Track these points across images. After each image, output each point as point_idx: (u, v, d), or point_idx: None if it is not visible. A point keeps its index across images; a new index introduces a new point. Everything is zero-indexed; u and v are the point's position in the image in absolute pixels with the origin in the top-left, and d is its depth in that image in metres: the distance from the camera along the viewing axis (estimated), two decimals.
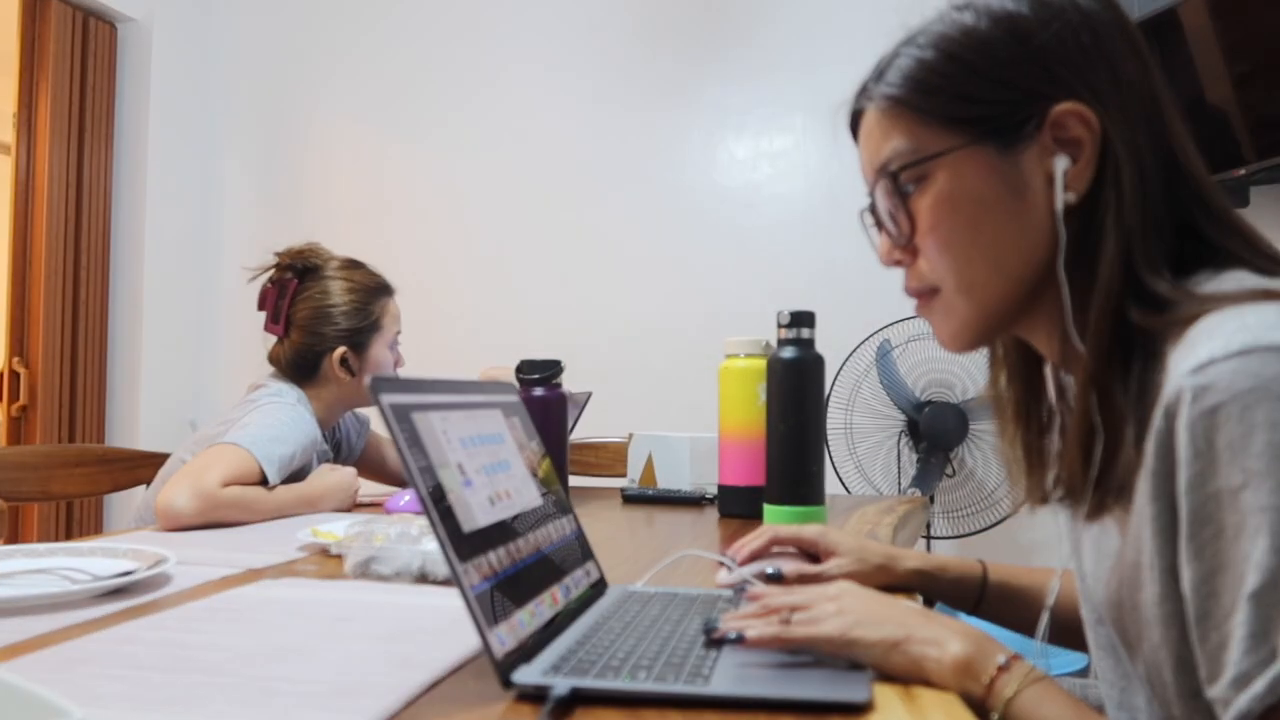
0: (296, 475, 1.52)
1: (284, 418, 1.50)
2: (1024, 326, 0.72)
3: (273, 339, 1.69)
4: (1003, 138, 0.65)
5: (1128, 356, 0.62)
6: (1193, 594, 0.53)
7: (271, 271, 1.68)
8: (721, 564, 0.89)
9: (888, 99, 0.69)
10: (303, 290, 1.65)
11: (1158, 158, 0.64)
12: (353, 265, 1.70)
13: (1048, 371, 0.76)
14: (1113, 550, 0.65)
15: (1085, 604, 0.76)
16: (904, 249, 0.71)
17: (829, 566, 0.87)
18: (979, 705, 0.58)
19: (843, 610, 0.63)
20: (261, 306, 1.67)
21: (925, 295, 0.72)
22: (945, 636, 0.60)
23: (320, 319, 1.63)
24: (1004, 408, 0.78)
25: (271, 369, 1.68)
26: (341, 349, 1.63)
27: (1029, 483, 0.74)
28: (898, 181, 0.69)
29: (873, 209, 0.73)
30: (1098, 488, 0.63)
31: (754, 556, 0.90)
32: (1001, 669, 0.58)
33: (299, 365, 1.64)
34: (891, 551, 0.89)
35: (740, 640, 0.62)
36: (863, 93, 0.73)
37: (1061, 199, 0.64)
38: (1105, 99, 0.63)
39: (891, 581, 0.87)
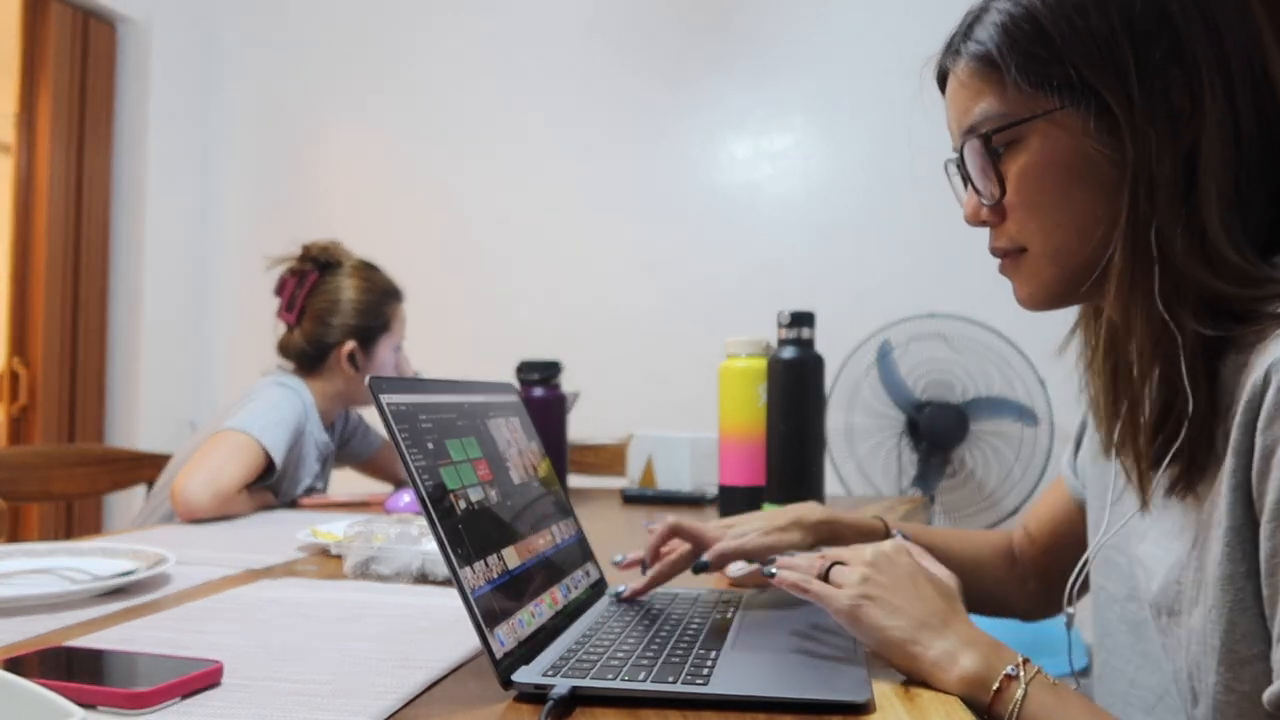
0: (290, 458, 1.58)
1: (280, 398, 1.58)
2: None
3: (279, 330, 1.73)
4: (1096, 102, 0.62)
5: (1217, 326, 0.60)
6: (1266, 560, 0.54)
7: (293, 261, 1.74)
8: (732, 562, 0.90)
9: (978, 59, 0.67)
10: (320, 283, 1.71)
11: (1260, 124, 0.61)
12: (369, 267, 1.77)
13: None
14: (1175, 527, 0.64)
15: (1113, 580, 0.76)
16: (992, 209, 0.69)
17: (745, 544, 0.84)
18: (987, 710, 0.58)
19: (865, 580, 0.63)
20: (279, 293, 1.73)
21: (1012, 255, 0.70)
22: (955, 650, 0.60)
23: (333, 311, 1.68)
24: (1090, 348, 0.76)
25: (280, 360, 1.72)
26: (351, 343, 1.67)
27: (1108, 430, 0.70)
28: (988, 144, 0.67)
29: (960, 164, 0.71)
30: (1176, 459, 0.62)
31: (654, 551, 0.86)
32: (1010, 678, 0.58)
33: (307, 355, 1.69)
34: (800, 511, 0.89)
35: (771, 577, 0.65)
36: (951, 48, 0.70)
37: (1155, 168, 0.61)
38: (1206, 64, 0.60)
39: (809, 538, 0.87)
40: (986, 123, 0.67)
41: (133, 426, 2.95)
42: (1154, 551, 0.67)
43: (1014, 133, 0.66)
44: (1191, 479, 0.61)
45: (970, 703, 0.58)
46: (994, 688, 0.58)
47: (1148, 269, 0.61)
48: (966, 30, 0.69)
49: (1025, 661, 0.59)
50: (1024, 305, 0.71)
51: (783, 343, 1.16)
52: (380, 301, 1.72)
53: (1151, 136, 0.60)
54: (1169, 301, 0.60)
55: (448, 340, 2.88)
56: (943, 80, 0.73)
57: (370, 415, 1.91)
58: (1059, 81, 0.63)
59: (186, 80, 3.14)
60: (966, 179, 0.71)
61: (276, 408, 1.54)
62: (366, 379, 0.61)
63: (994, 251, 0.72)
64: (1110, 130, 0.62)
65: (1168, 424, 0.62)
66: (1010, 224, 0.68)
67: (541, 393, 1.54)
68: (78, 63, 2.85)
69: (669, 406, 2.67)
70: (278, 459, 1.48)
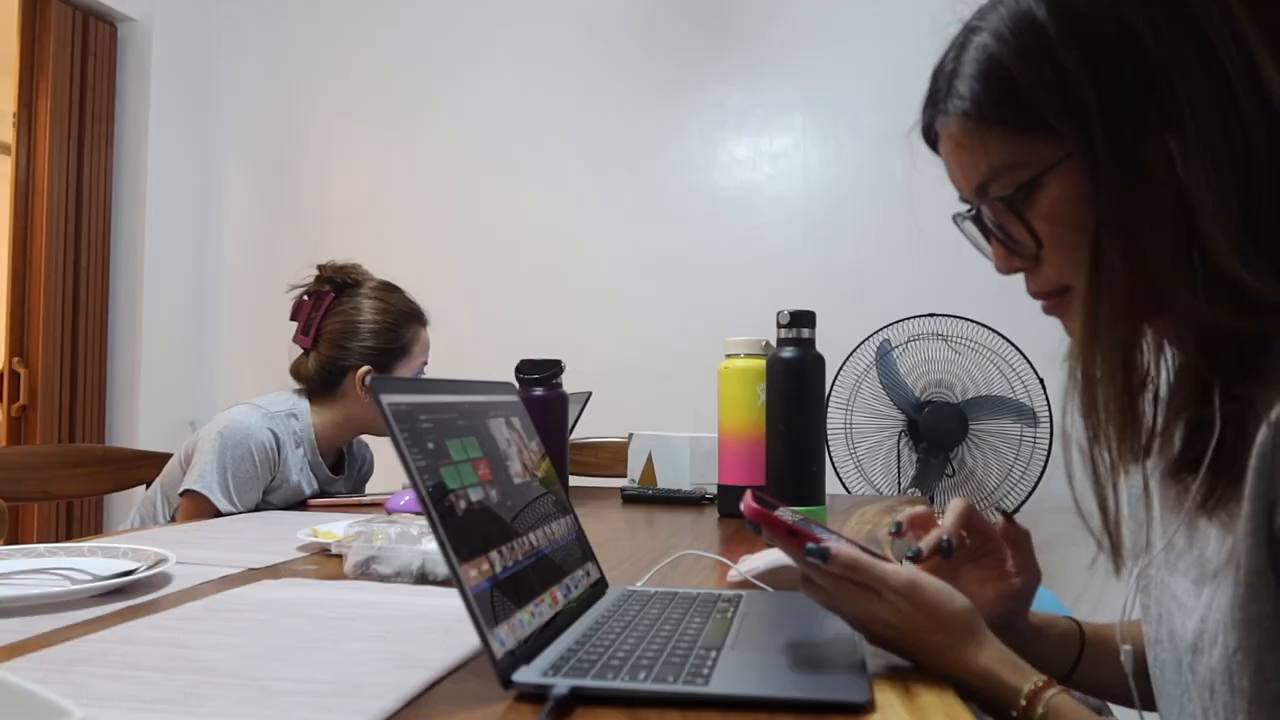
0: (275, 482, 1.56)
1: (233, 445, 1.50)
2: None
3: (288, 352, 1.69)
4: (1108, 132, 0.60)
5: (1244, 344, 0.59)
6: None
7: (309, 283, 1.69)
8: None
9: (967, 116, 0.65)
10: (337, 305, 1.65)
11: (1268, 136, 0.59)
12: (389, 288, 1.70)
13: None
14: (1199, 562, 0.63)
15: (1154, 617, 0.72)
16: (1026, 257, 0.67)
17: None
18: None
19: (876, 615, 0.62)
20: (294, 317, 1.67)
21: (1055, 295, 0.68)
22: (979, 649, 0.60)
23: (349, 334, 1.63)
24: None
25: (296, 384, 1.68)
26: (366, 367, 1.62)
27: (1123, 442, 0.66)
28: (1011, 202, 0.65)
29: (976, 219, 0.69)
30: (1208, 475, 0.61)
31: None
32: (1035, 692, 0.58)
33: (321, 379, 1.64)
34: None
35: (824, 556, 0.61)
36: (936, 107, 0.68)
37: (1139, 206, 0.59)
38: (1189, 86, 0.59)
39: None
40: (999, 180, 0.65)
41: (133, 426, 2.95)
42: (1184, 585, 0.65)
43: (1031, 184, 0.64)
44: (1224, 496, 0.60)
45: (972, 703, 0.58)
46: (1021, 702, 0.58)
47: (1149, 298, 0.61)
48: (948, 86, 0.67)
49: (1036, 692, 0.59)
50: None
51: (782, 342, 1.15)
52: (398, 324, 1.66)
53: (1128, 180, 0.59)
54: (1208, 318, 0.59)
55: (449, 341, 2.88)
56: (928, 136, 0.71)
57: (382, 447, 1.89)
58: (1056, 125, 0.61)
59: (186, 80, 3.14)
60: (988, 233, 0.69)
61: (229, 462, 1.49)
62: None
63: (1034, 295, 0.69)
64: (1127, 155, 0.60)
65: (1196, 444, 0.61)
66: (1047, 267, 0.66)
67: (541, 392, 1.54)
68: (78, 63, 2.85)
69: (669, 406, 2.67)
70: (229, 509, 1.48)
